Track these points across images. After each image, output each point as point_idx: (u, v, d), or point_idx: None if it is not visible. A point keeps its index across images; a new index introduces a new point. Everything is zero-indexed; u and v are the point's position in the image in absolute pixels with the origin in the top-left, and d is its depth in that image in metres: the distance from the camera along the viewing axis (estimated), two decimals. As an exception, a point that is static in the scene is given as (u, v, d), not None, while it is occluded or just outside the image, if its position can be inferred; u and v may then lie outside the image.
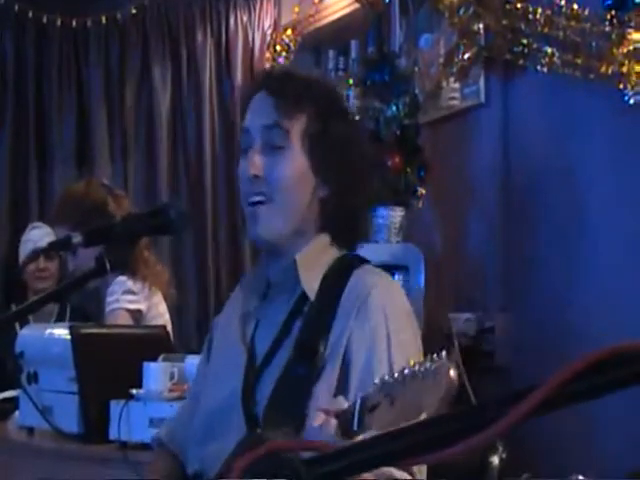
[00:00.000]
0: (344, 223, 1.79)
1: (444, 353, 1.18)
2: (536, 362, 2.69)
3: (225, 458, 1.61)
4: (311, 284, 1.74)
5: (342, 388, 1.63)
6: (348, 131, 1.79)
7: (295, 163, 1.74)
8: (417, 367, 1.17)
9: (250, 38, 4.87)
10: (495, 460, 1.78)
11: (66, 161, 4.90)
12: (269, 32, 4.72)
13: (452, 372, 1.14)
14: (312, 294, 1.73)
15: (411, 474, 1.58)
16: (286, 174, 1.73)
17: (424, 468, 1.64)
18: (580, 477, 1.30)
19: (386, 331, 1.66)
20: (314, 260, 1.76)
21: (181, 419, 1.96)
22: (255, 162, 1.73)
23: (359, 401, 1.24)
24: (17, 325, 3.26)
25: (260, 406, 1.67)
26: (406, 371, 1.18)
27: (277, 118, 1.73)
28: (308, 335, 1.69)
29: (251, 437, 1.61)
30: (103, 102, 4.95)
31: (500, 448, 1.80)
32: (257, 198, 1.73)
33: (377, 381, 1.21)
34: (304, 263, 1.75)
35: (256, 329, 1.80)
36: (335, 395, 1.59)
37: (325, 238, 1.78)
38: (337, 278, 1.73)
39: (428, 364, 1.16)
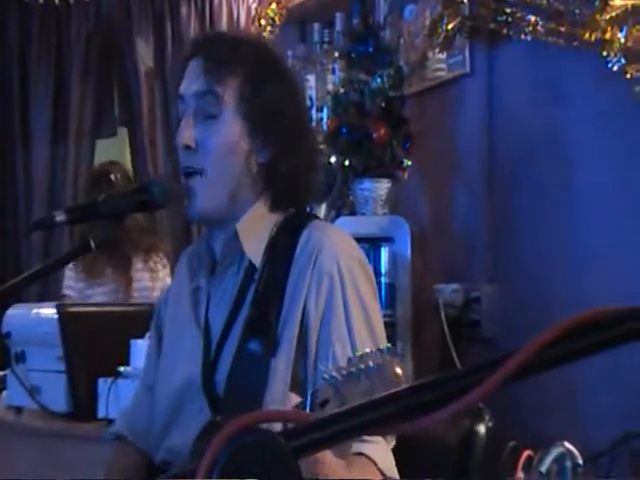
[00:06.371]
0: (286, 186, 1.73)
1: (388, 348, 1.18)
2: (522, 332, 2.69)
3: (192, 444, 1.58)
4: (255, 251, 1.70)
5: (301, 354, 1.61)
6: (283, 91, 1.73)
7: (229, 131, 1.69)
8: (364, 364, 1.17)
9: (235, 12, 4.83)
10: (482, 429, 1.79)
11: (47, 140, 4.89)
12: (254, 6, 4.68)
13: (398, 369, 1.15)
14: (257, 261, 1.69)
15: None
16: (219, 145, 1.68)
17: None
18: (565, 443, 1.31)
19: (342, 291, 1.63)
20: (256, 226, 1.71)
21: (139, 410, 1.89)
22: (187, 132, 1.69)
23: (309, 397, 1.24)
24: None
25: (221, 387, 1.63)
26: (353, 369, 1.18)
27: (209, 84, 1.68)
28: (260, 306, 1.65)
29: (213, 422, 1.58)
30: (87, 80, 4.92)
31: (487, 417, 1.81)
32: (189, 170, 1.69)
33: (326, 375, 1.20)
34: (246, 230, 1.70)
35: (208, 307, 1.75)
36: (293, 368, 1.58)
37: (266, 203, 1.73)
38: (285, 239, 1.69)
39: (372, 362, 1.16)
